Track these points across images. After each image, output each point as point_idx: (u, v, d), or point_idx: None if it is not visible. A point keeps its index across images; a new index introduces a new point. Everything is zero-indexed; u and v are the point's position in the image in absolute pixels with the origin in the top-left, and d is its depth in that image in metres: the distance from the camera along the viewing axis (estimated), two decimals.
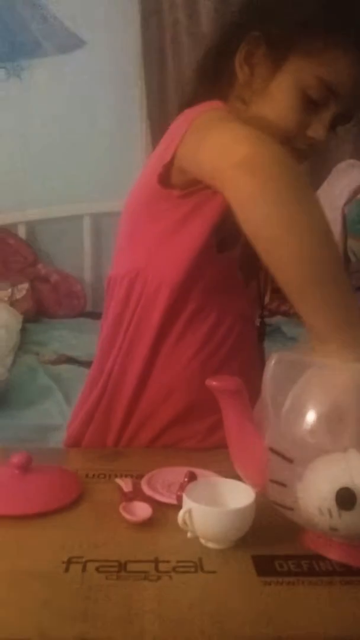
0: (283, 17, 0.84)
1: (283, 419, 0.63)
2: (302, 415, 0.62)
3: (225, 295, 0.95)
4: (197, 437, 0.94)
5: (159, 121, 2.70)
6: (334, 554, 0.65)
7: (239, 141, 0.72)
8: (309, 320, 0.68)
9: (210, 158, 0.76)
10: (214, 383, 0.67)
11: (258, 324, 1.04)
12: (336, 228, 2.26)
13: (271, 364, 0.65)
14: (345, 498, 0.59)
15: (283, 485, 0.63)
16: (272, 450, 0.63)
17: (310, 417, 0.62)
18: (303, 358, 0.65)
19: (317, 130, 0.85)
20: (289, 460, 0.62)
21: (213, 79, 0.91)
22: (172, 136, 0.86)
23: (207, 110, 0.84)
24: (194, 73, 0.96)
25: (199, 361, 0.93)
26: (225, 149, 0.73)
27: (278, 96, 0.85)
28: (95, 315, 2.41)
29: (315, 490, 0.61)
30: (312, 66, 0.83)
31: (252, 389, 0.68)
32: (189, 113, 0.86)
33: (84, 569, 0.63)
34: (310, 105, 0.84)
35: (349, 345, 0.65)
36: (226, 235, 0.88)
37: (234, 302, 0.96)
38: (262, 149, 0.70)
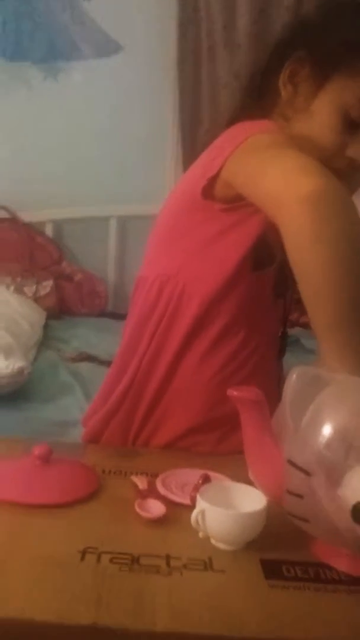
0: (328, 36, 0.86)
1: (302, 432, 0.64)
2: (321, 429, 0.63)
3: (255, 313, 0.96)
4: (212, 442, 0.96)
5: (190, 129, 2.73)
6: (341, 565, 0.67)
7: (304, 173, 0.73)
8: (329, 357, 0.71)
9: (273, 188, 0.75)
10: (235, 393, 0.68)
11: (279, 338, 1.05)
12: None
13: (292, 378, 0.66)
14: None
15: (300, 497, 0.64)
16: (290, 462, 0.64)
17: (329, 431, 0.63)
18: (323, 373, 0.67)
19: (356, 150, 0.86)
20: (307, 473, 0.63)
21: (258, 95, 0.93)
22: (221, 149, 0.87)
23: (262, 132, 0.85)
24: (241, 90, 0.98)
25: (221, 378, 0.95)
26: (289, 181, 0.73)
27: (319, 115, 0.87)
28: (117, 316, 2.44)
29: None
30: (354, 86, 0.84)
31: (269, 405, 0.69)
32: (241, 129, 0.88)
33: (98, 560, 0.66)
34: (350, 125, 0.85)
35: None
36: (263, 255, 0.89)
37: (262, 320, 0.97)
38: (328, 184, 0.71)
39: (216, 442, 0.95)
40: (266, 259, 0.90)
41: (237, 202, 0.86)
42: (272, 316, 1.00)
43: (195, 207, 0.91)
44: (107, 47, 2.88)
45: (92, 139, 2.84)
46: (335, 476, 0.62)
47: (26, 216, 2.86)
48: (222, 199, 0.88)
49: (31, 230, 2.86)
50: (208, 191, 0.88)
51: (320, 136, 0.87)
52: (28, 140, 2.83)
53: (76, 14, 2.86)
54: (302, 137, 0.87)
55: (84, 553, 0.67)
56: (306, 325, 2.48)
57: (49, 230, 2.92)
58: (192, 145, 2.68)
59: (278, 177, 0.75)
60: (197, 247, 0.93)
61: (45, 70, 2.89)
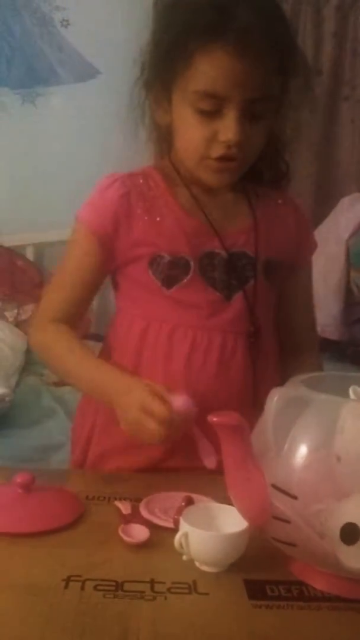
0: (153, 55, 0.92)
1: (285, 455, 0.64)
2: (305, 451, 0.63)
3: (199, 318, 0.95)
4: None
5: None
6: (319, 583, 0.67)
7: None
8: None
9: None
10: (214, 419, 0.66)
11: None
12: (340, 261, 2.30)
13: (273, 400, 0.66)
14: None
15: (287, 522, 0.64)
16: (275, 487, 0.64)
17: (313, 453, 0.63)
18: (304, 394, 0.67)
19: (226, 133, 0.86)
20: (293, 497, 0.63)
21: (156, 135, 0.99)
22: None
23: (78, 219, 0.99)
24: None
25: (187, 380, 0.93)
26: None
27: (177, 124, 0.91)
28: (100, 338, 2.42)
29: None
30: (184, 85, 0.87)
31: (243, 409, 0.69)
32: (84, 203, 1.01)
33: (82, 587, 0.66)
34: (207, 115, 0.86)
35: None
36: (168, 270, 0.94)
37: (210, 320, 0.95)
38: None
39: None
40: (179, 271, 0.94)
41: None
42: (230, 312, 0.96)
43: None
44: (85, 72, 2.92)
45: (70, 162, 2.86)
46: (321, 498, 0.62)
47: (6, 240, 2.86)
48: None
49: (12, 255, 2.86)
50: None
51: (190, 139, 0.89)
52: (6, 165, 2.84)
53: (54, 40, 2.90)
54: (180, 147, 0.93)
55: (67, 581, 0.67)
56: None
57: (29, 254, 2.92)
58: None
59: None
60: None
61: (23, 95, 2.91)
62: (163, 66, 0.89)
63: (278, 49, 0.85)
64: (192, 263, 0.94)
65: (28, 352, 2.28)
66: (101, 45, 2.84)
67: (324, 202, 2.70)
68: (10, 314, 2.59)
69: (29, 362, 2.19)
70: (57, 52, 2.91)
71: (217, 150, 0.88)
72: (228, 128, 0.86)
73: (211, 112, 0.86)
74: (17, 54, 2.89)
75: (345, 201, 2.51)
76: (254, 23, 0.83)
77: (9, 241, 2.86)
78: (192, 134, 0.88)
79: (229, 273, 0.95)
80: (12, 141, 2.86)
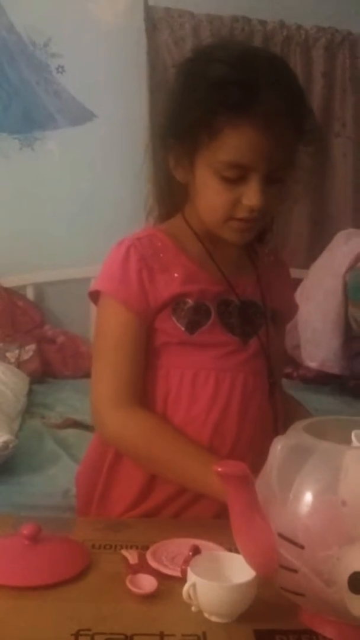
0: (175, 122, 0.94)
1: (291, 504, 0.64)
2: (310, 500, 0.63)
3: (220, 360, 0.98)
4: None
5: None
6: (329, 632, 0.67)
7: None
8: None
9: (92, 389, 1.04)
10: (219, 469, 0.66)
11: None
12: (338, 295, 2.32)
13: (277, 449, 0.67)
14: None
15: (294, 571, 0.64)
16: (281, 536, 0.64)
17: (318, 502, 0.63)
18: (307, 441, 0.67)
19: (250, 198, 0.90)
20: (300, 547, 0.63)
21: (168, 187, 1.00)
22: (100, 273, 1.03)
23: (106, 292, 1.00)
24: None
25: (202, 423, 0.97)
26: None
27: (200, 186, 0.93)
28: None
29: None
30: (210, 154, 0.90)
31: (263, 451, 0.71)
32: (105, 262, 1.01)
33: None
34: (230, 181, 0.90)
35: None
36: (192, 315, 0.96)
37: (231, 362, 0.99)
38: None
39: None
40: (200, 316, 0.97)
41: None
42: (248, 355, 1.00)
43: None
44: (82, 116, 2.99)
45: (69, 204, 2.91)
46: (328, 544, 0.62)
47: (6, 281, 2.89)
48: None
49: (12, 295, 2.88)
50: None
51: (214, 202, 0.92)
52: (6, 207, 2.88)
53: (50, 85, 2.98)
54: (203, 208, 0.95)
55: (77, 636, 0.66)
56: (289, 376, 2.51)
57: (29, 294, 2.95)
58: None
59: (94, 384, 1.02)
60: None
61: (21, 140, 2.97)
62: (187, 135, 0.91)
63: (299, 122, 0.91)
64: (212, 309, 0.98)
65: (30, 392, 2.28)
66: (96, 90, 2.92)
67: (320, 237, 2.73)
68: (11, 355, 2.59)
69: (31, 404, 2.19)
70: (53, 97, 2.99)
71: (241, 213, 0.92)
72: (252, 195, 0.90)
73: (231, 179, 0.90)
74: (14, 100, 2.96)
75: (340, 236, 2.54)
76: (279, 101, 0.88)
77: (9, 282, 2.89)
78: (216, 198, 0.92)
79: (243, 319, 1.00)
80: (12, 184, 2.91)
